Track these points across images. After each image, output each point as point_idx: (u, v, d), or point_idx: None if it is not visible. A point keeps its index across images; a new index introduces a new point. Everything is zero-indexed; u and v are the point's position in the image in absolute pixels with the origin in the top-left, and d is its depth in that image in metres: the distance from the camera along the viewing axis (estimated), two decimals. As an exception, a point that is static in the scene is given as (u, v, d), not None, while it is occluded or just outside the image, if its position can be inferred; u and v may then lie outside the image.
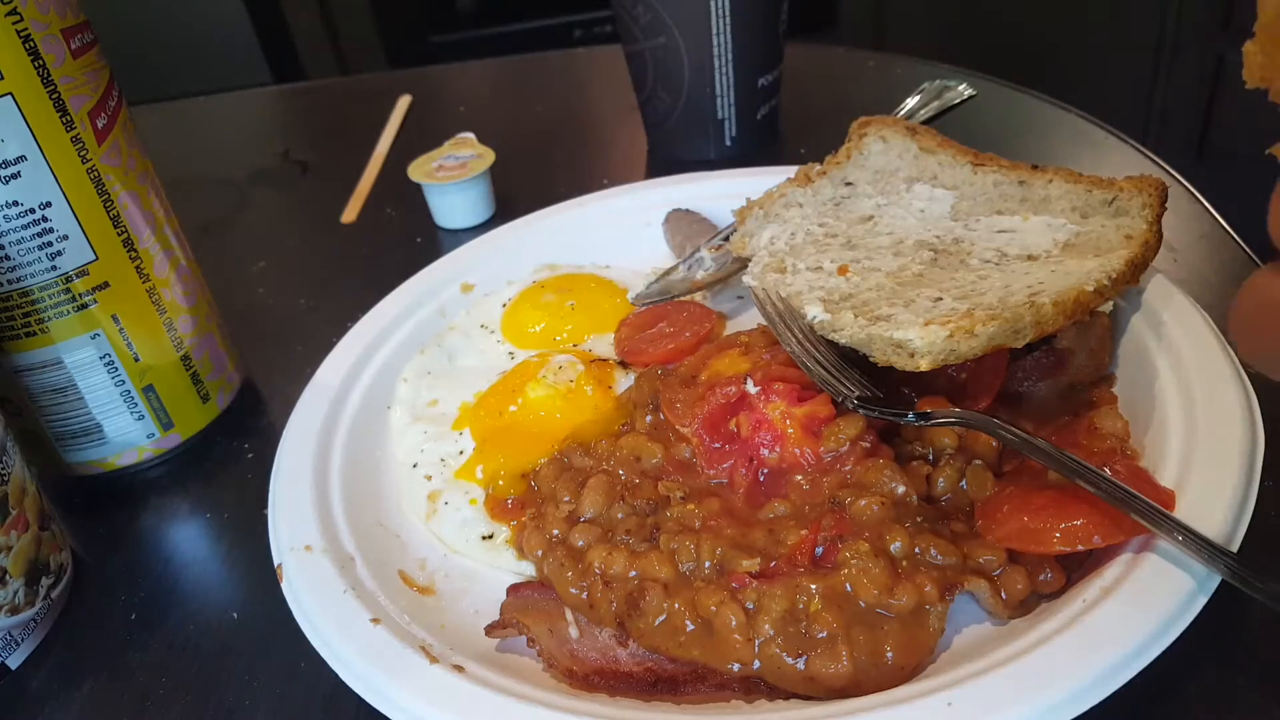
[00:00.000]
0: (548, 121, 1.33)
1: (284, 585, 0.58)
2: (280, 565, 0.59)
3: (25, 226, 0.63)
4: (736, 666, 0.50)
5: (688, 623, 0.52)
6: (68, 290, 0.66)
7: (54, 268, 0.65)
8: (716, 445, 0.61)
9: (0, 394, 0.70)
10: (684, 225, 0.89)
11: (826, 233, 0.73)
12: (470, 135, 1.14)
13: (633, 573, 0.55)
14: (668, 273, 0.85)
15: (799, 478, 0.58)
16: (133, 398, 0.72)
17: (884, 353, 0.59)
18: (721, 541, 0.54)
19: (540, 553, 0.59)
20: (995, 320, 0.56)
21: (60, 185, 0.64)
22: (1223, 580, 0.47)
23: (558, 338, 0.81)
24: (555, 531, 0.59)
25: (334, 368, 0.76)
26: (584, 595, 0.55)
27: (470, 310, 0.86)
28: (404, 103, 1.41)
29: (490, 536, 0.64)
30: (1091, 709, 0.44)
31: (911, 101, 0.99)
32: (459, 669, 0.51)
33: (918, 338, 0.57)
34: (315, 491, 0.64)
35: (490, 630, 0.56)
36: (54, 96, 0.63)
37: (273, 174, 1.30)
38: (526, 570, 0.61)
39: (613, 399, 0.72)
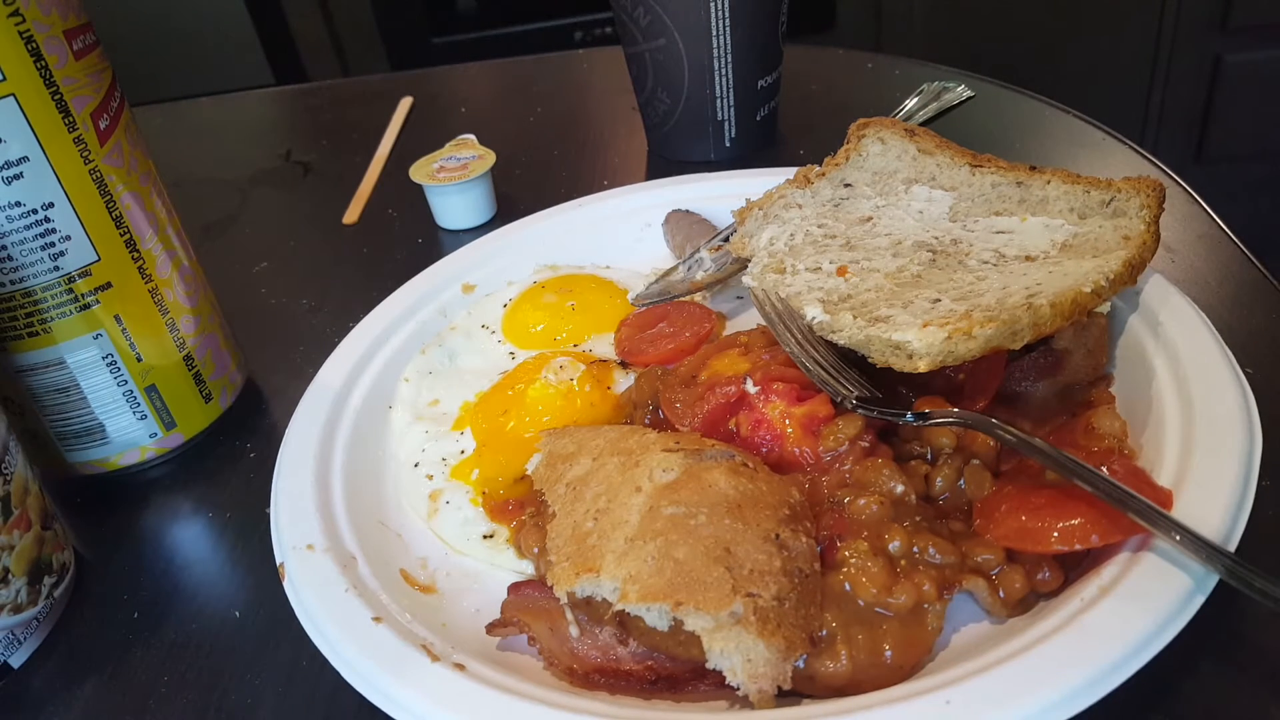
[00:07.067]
0: (548, 123, 1.33)
1: (286, 584, 0.58)
2: (282, 564, 0.60)
3: (28, 227, 0.64)
4: (736, 665, 0.50)
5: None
6: (70, 290, 0.67)
7: (56, 268, 0.66)
8: (716, 445, 0.61)
9: (3, 394, 0.70)
10: (684, 226, 0.90)
11: (825, 234, 0.73)
12: (471, 136, 1.14)
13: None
14: (668, 273, 0.85)
15: (798, 477, 0.58)
16: (135, 398, 0.73)
17: (882, 354, 0.59)
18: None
19: (538, 550, 0.59)
20: (993, 322, 0.56)
21: (63, 186, 0.64)
22: (1220, 580, 0.47)
23: (558, 338, 0.81)
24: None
25: (336, 368, 0.76)
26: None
27: (471, 310, 0.86)
28: (405, 104, 1.41)
29: (491, 535, 0.64)
30: (1089, 708, 0.44)
31: (910, 103, 0.99)
32: (460, 667, 0.51)
33: (916, 339, 0.57)
34: (317, 491, 0.65)
35: (491, 629, 0.56)
36: (56, 98, 0.63)
37: (275, 175, 1.30)
38: (527, 569, 0.62)
39: (613, 399, 0.72)
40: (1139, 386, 0.62)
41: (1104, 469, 0.51)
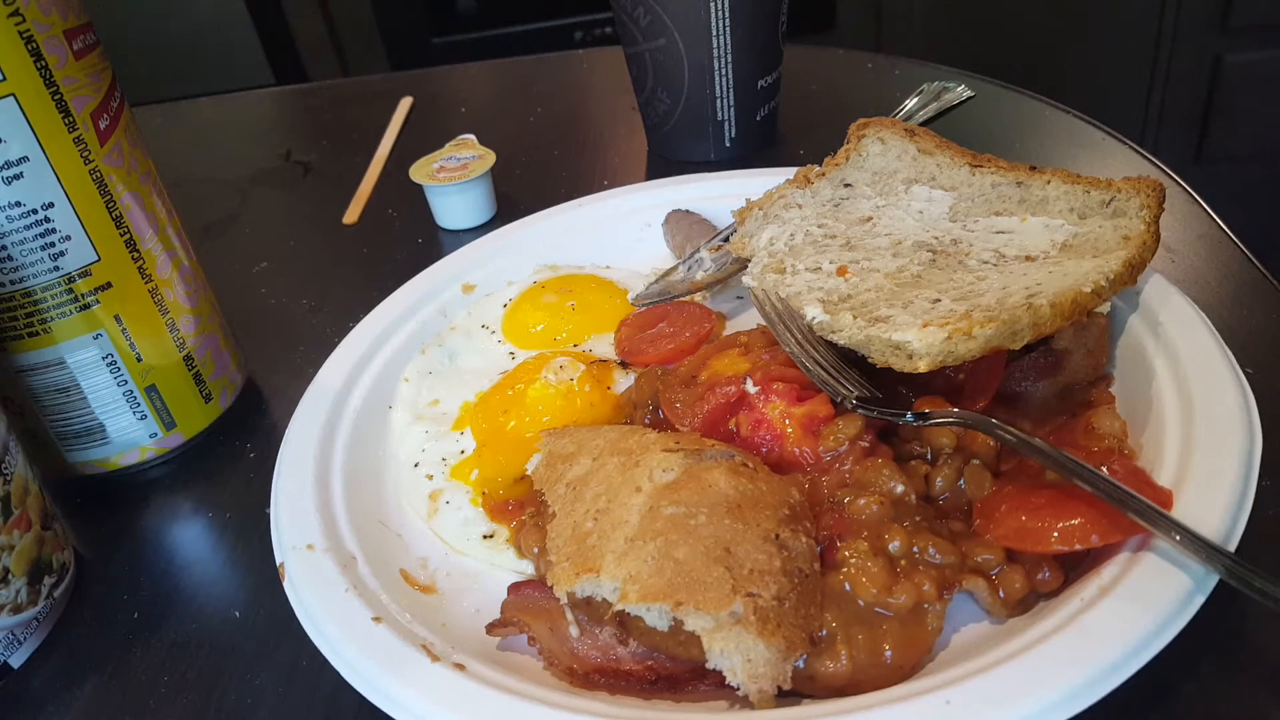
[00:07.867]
0: (548, 123, 1.33)
1: (286, 584, 0.58)
2: (282, 564, 0.60)
3: (28, 227, 0.64)
4: (736, 665, 0.50)
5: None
6: (70, 291, 0.67)
7: (56, 268, 0.66)
8: (716, 445, 0.61)
9: (3, 394, 0.70)
10: (684, 226, 0.90)
11: (825, 234, 0.73)
12: (471, 137, 1.14)
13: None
14: (668, 273, 0.85)
15: (798, 477, 0.58)
16: (135, 398, 0.73)
17: (882, 354, 0.59)
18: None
19: (539, 550, 0.59)
20: (993, 322, 0.56)
21: (63, 186, 0.64)
22: (1220, 580, 0.47)
23: (558, 338, 0.81)
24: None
25: (336, 368, 0.76)
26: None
27: (471, 310, 0.86)
28: (405, 104, 1.41)
29: (491, 535, 0.64)
30: (1089, 708, 0.44)
31: (910, 103, 0.99)
32: (460, 667, 0.51)
33: (916, 339, 0.57)
34: (317, 491, 0.65)
35: (491, 629, 0.56)
36: (56, 97, 0.63)
37: (275, 175, 1.30)
38: (527, 569, 0.62)
39: (613, 399, 0.72)
40: (1139, 386, 0.62)
41: (1104, 469, 0.51)
